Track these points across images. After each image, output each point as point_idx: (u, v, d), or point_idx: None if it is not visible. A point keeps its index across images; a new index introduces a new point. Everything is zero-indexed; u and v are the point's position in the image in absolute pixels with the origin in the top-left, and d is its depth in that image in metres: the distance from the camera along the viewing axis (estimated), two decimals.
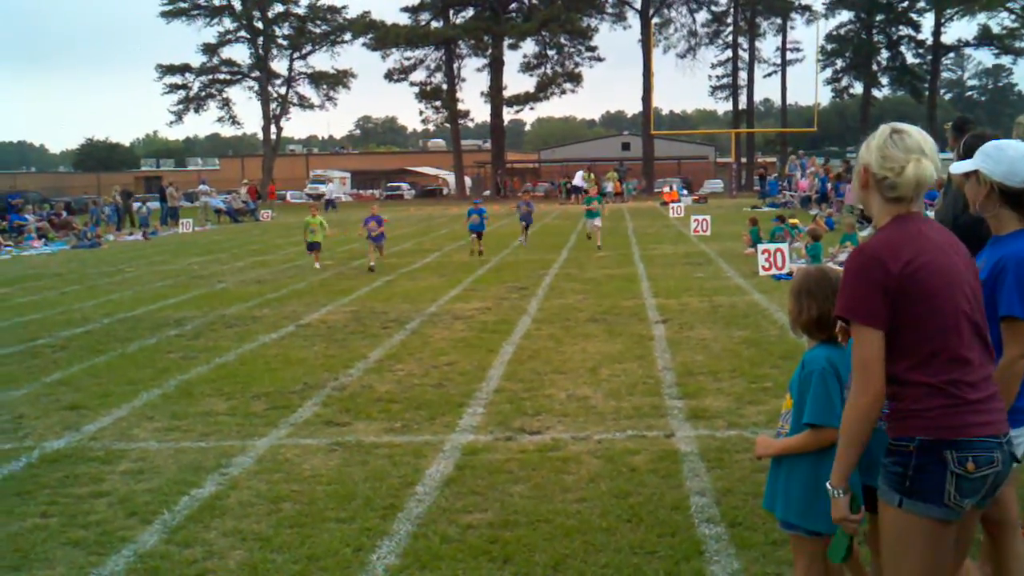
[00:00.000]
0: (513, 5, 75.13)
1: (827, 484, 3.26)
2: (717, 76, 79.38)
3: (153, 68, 78.12)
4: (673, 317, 12.77)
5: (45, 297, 18.11)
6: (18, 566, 5.33)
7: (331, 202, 59.61)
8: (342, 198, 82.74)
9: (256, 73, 79.17)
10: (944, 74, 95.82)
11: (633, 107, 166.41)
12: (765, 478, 4.01)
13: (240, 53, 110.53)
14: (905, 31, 75.57)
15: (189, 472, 6.88)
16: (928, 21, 74.17)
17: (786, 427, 3.85)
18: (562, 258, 21.90)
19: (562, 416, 8.03)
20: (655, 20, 74.19)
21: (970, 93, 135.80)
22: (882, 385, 3.05)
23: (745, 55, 76.94)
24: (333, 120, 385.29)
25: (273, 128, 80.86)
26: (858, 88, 78.28)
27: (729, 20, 76.92)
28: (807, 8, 74.22)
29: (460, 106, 75.97)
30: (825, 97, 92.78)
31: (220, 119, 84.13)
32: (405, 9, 74.05)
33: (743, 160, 74.14)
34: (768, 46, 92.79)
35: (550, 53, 75.05)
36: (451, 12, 74.05)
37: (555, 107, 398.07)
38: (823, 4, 74.54)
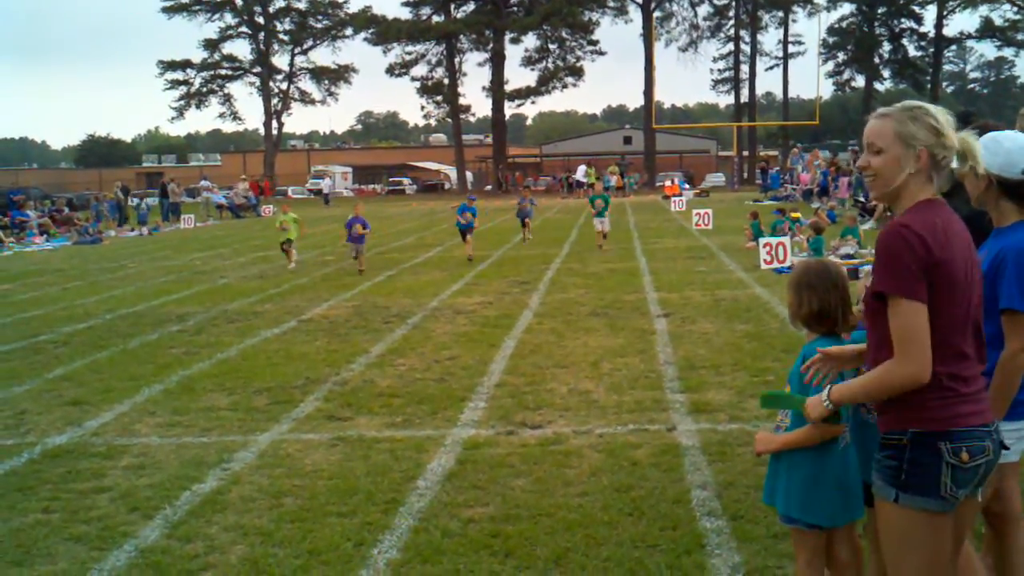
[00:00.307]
0: None
1: (825, 391, 3.24)
2: (719, 69, 79.44)
3: (155, 64, 78.32)
4: (675, 311, 12.76)
5: (47, 293, 18.12)
6: (20, 561, 5.33)
7: (327, 197, 59.53)
8: (344, 192, 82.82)
9: (257, 68, 79.23)
10: (946, 67, 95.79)
11: (635, 101, 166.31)
12: (766, 472, 4.00)
13: (241, 48, 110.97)
14: (907, 23, 75.45)
15: (191, 467, 6.88)
16: (930, 13, 74.16)
17: (786, 421, 3.84)
18: (564, 252, 21.89)
19: (564, 410, 8.03)
20: (657, 14, 74.12)
21: (972, 86, 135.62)
22: (928, 356, 2.97)
23: (747, 48, 76.91)
24: (334, 115, 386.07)
25: (274, 123, 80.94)
26: (860, 81, 78.23)
27: (731, 13, 76.84)
28: (809, 1, 74.04)
29: (461, 100, 76.04)
30: (827, 90, 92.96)
31: (221, 115, 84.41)
32: (406, 4, 74.08)
33: (745, 154, 74.09)
34: (770, 39, 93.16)
35: (552, 47, 75.03)
36: (452, 6, 74.01)
37: (557, 101, 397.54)
38: None
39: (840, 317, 3.78)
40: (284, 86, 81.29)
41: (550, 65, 75.10)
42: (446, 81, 74.83)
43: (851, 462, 3.74)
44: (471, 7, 74.70)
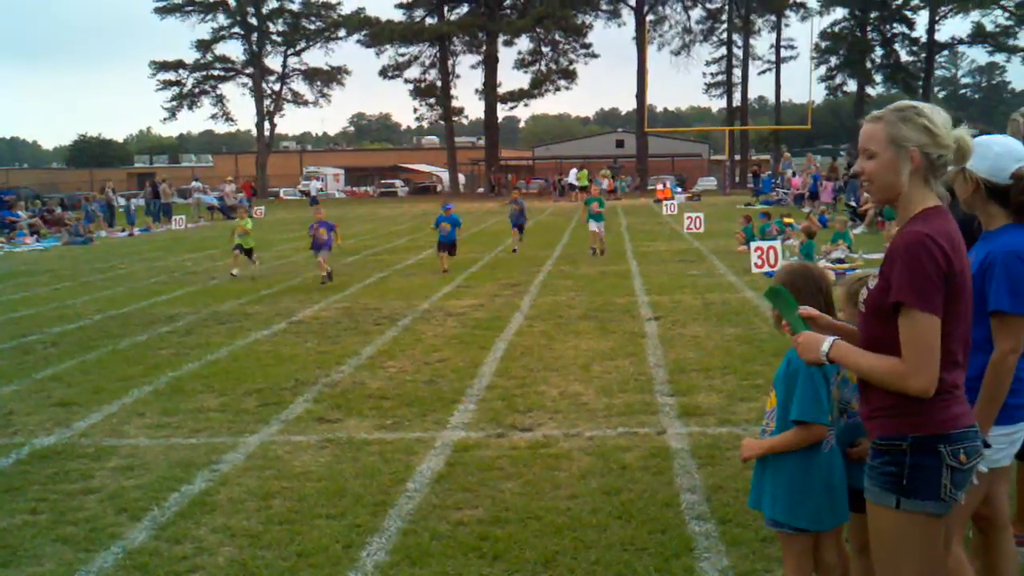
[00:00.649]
0: (508, 1, 75.11)
1: (828, 342, 3.17)
2: (711, 73, 79.51)
3: (147, 64, 78.01)
4: (666, 314, 12.77)
5: (37, 293, 18.06)
6: (7, 562, 5.31)
7: (315, 199, 59.40)
8: (336, 194, 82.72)
9: (250, 69, 79.04)
10: (938, 72, 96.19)
11: (627, 104, 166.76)
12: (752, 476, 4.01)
13: (234, 49, 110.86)
14: (899, 28, 75.65)
15: (179, 469, 6.87)
16: (922, 19, 74.38)
17: (771, 424, 3.84)
18: (555, 255, 21.89)
19: (554, 413, 8.03)
20: (650, 17, 74.18)
21: (964, 91, 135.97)
22: (937, 371, 2.95)
23: (739, 52, 77.09)
24: (327, 117, 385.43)
25: (267, 125, 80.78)
26: (852, 86, 78.35)
27: (724, 17, 76.98)
28: (801, 5, 74.29)
29: (454, 103, 76.05)
30: (819, 95, 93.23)
31: (214, 115, 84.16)
32: (399, 5, 74.03)
33: (737, 158, 74.21)
34: (762, 43, 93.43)
35: (545, 50, 75.01)
36: (445, 8, 74.00)
37: (549, 104, 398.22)
38: (817, 1, 74.63)
39: None
40: (277, 87, 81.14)
41: (543, 68, 75.10)
42: (439, 83, 74.82)
43: (836, 465, 3.75)
44: (464, 9, 74.72)
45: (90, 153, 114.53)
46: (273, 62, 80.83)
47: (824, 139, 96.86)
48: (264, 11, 78.11)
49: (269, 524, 5.71)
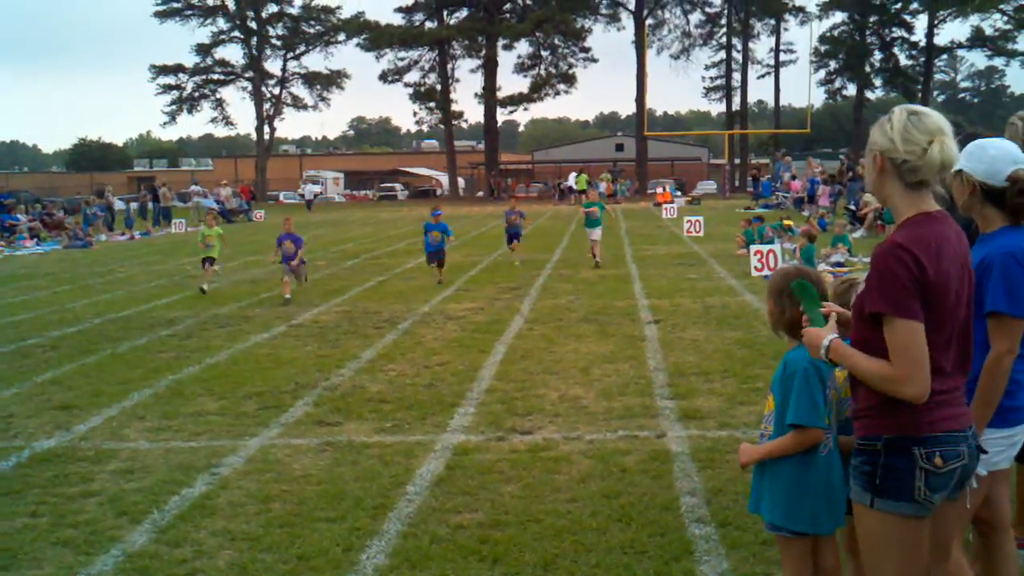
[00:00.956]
0: (507, 6, 75.22)
1: (828, 340, 3.22)
2: (711, 77, 79.54)
3: (147, 68, 78.04)
4: (665, 318, 12.78)
5: (37, 297, 18.06)
6: (7, 566, 5.31)
7: (309, 203, 59.38)
8: (336, 198, 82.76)
9: (250, 73, 79.07)
10: (937, 76, 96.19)
11: (627, 108, 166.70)
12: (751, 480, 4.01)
13: (234, 53, 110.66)
14: (898, 32, 75.69)
15: (179, 472, 6.87)
16: (921, 23, 74.40)
17: (769, 428, 3.85)
18: (555, 258, 21.90)
19: (553, 416, 8.03)
20: (649, 21, 74.24)
21: (963, 95, 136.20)
22: (928, 376, 2.98)
23: (739, 56, 77.13)
24: (327, 121, 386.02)
25: (266, 128, 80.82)
26: (851, 90, 78.39)
27: (723, 21, 77.04)
28: (801, 9, 74.30)
29: (454, 107, 76.06)
30: (818, 99, 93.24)
31: (213, 119, 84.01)
32: (399, 10, 74.09)
33: (736, 161, 74.25)
34: (762, 47, 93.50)
35: (544, 54, 75.15)
36: (445, 13, 74.07)
37: (549, 108, 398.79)
38: (816, 5, 74.60)
39: None
40: (276, 91, 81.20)
41: (542, 72, 75.20)
42: (439, 87, 74.87)
43: (835, 469, 3.75)
44: (464, 13, 74.78)
45: (90, 157, 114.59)
46: (273, 66, 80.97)
47: (823, 143, 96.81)
48: (264, 15, 78.17)
49: (269, 527, 5.72)
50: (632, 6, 73.42)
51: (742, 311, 13.13)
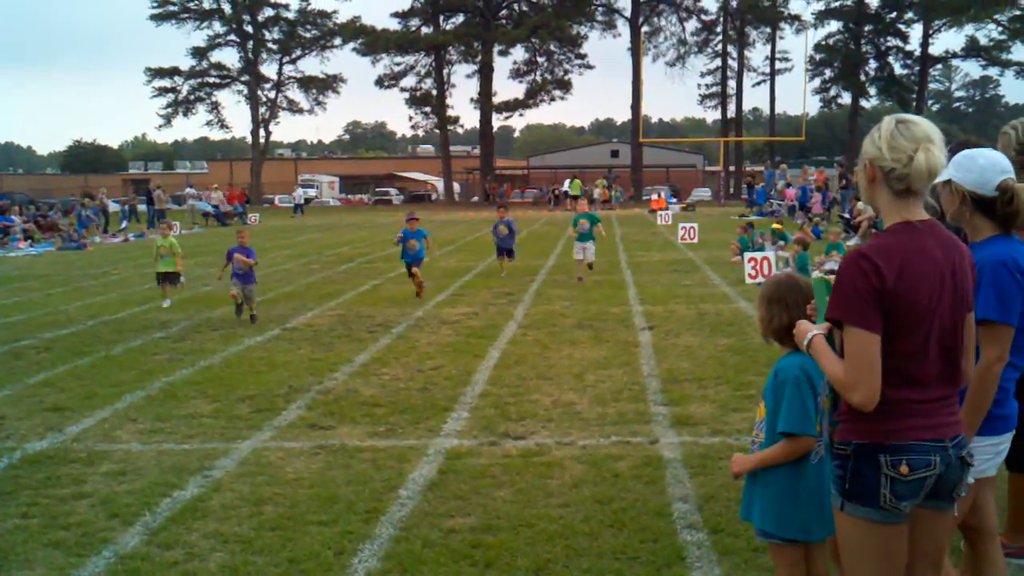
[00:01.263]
0: (503, 11, 75.25)
1: (811, 335, 3.31)
2: (706, 85, 79.61)
3: (142, 71, 77.98)
4: (659, 324, 12.79)
5: (30, 298, 18.02)
6: None
7: (300, 207, 59.26)
8: (331, 202, 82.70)
9: (245, 77, 79.03)
10: (932, 85, 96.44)
11: (622, 115, 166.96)
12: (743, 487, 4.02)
13: (229, 57, 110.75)
14: (893, 42, 75.87)
15: (171, 474, 6.86)
16: (916, 32, 74.58)
17: (761, 436, 3.87)
18: (549, 264, 21.91)
19: (547, 421, 8.04)
20: (645, 28, 74.38)
21: (958, 104, 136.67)
22: (877, 386, 3.04)
23: (734, 64, 77.19)
24: (322, 125, 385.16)
25: (262, 132, 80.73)
26: (846, 98, 78.57)
27: (719, 29, 77.14)
28: (796, 18, 74.48)
29: (449, 112, 76.00)
30: (813, 107, 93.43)
31: (209, 123, 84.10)
32: (395, 15, 74.06)
33: (731, 169, 74.35)
34: (757, 55, 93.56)
35: (540, 60, 75.20)
36: (441, 18, 74.07)
37: (544, 114, 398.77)
38: (812, 14, 74.86)
39: None
40: (272, 95, 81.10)
41: (538, 78, 75.27)
42: (434, 92, 74.84)
43: (826, 477, 3.76)
44: (460, 19, 74.80)
45: (85, 159, 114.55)
46: (268, 70, 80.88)
47: (818, 151, 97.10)
48: (260, 19, 78.13)
49: (261, 530, 5.71)
50: (628, 13, 73.55)
51: (736, 318, 13.15)
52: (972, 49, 73.03)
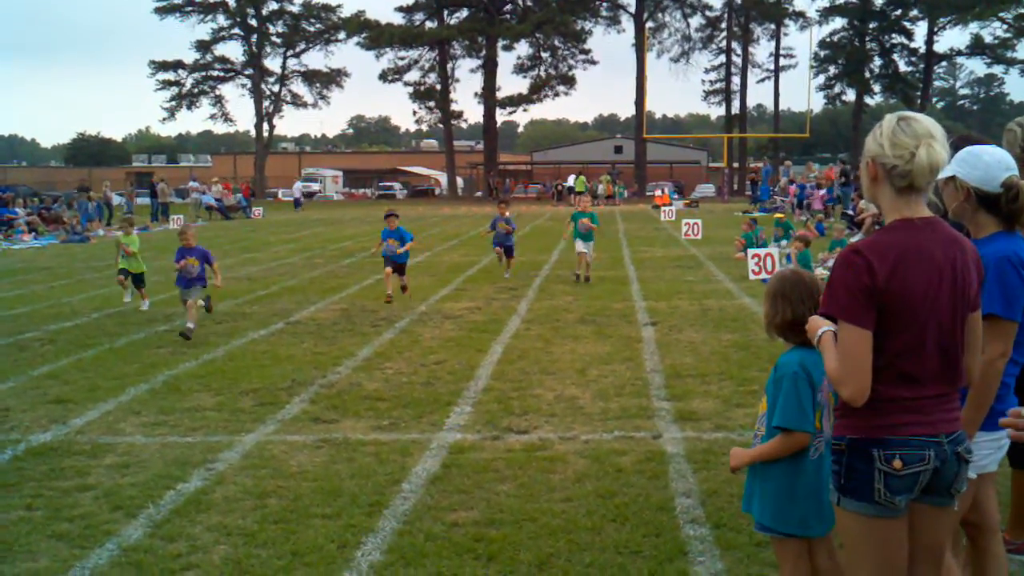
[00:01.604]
0: (507, 6, 75.22)
1: (822, 330, 3.25)
2: (710, 81, 79.60)
3: (146, 64, 78.00)
4: (662, 319, 12.79)
5: (34, 291, 18.05)
6: (1, 558, 5.31)
7: (298, 201, 59.27)
8: (335, 196, 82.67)
9: (249, 70, 79.08)
10: (936, 83, 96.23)
11: (626, 110, 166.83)
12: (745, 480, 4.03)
13: (234, 50, 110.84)
14: (898, 39, 75.76)
15: (175, 467, 6.87)
16: (921, 29, 74.50)
17: (762, 430, 3.88)
18: (553, 259, 21.90)
19: (550, 416, 8.04)
20: (649, 24, 74.28)
21: (962, 102, 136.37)
22: (867, 381, 3.06)
23: (739, 60, 77.18)
24: (326, 119, 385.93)
25: (265, 126, 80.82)
26: (851, 95, 78.48)
27: (723, 25, 77.07)
28: (801, 14, 74.43)
29: (453, 107, 76.12)
30: (818, 103, 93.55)
31: (213, 116, 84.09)
32: (399, 9, 74.06)
33: (735, 165, 74.28)
34: (761, 52, 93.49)
35: (544, 55, 75.14)
36: (445, 12, 74.07)
37: (548, 109, 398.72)
38: (816, 11, 74.88)
39: None
40: (276, 89, 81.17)
41: (542, 73, 75.21)
42: (438, 87, 74.86)
43: (826, 472, 3.76)
44: (464, 14, 74.79)
45: (88, 152, 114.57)
46: (272, 63, 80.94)
47: (822, 148, 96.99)
48: (264, 12, 78.16)
49: (264, 523, 5.72)
50: (632, 9, 73.47)
51: (739, 314, 13.15)
52: (977, 47, 72.92)
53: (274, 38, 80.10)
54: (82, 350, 11.51)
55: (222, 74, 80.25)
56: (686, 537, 5.36)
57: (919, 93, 75.71)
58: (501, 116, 78.64)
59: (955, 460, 3.19)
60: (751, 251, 17.73)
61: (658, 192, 56.51)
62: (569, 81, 75.05)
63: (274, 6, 78.42)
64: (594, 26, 75.46)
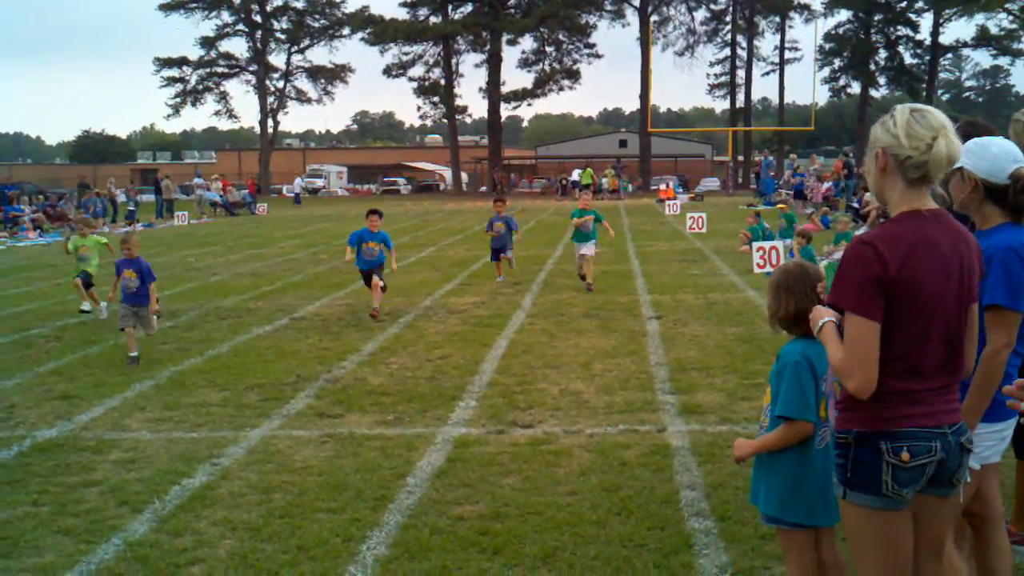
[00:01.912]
0: (512, 1, 75.09)
1: (824, 320, 3.24)
2: (715, 74, 79.48)
3: (151, 61, 78.20)
4: (667, 313, 12.78)
5: (39, 288, 18.09)
6: (8, 553, 5.33)
7: (298, 197, 59.22)
8: (339, 192, 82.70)
9: (254, 67, 79.13)
10: (942, 75, 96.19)
11: (631, 104, 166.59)
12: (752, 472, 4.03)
13: (238, 46, 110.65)
14: (903, 31, 75.61)
15: (180, 462, 6.88)
16: (926, 21, 74.34)
17: (766, 422, 3.88)
18: (557, 254, 21.89)
19: (554, 410, 8.04)
20: (654, 18, 74.18)
21: (968, 94, 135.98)
22: (874, 373, 3.04)
23: (743, 53, 77.06)
24: (330, 114, 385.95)
25: (270, 122, 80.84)
26: (856, 88, 78.33)
27: (728, 18, 76.98)
28: (806, 7, 74.26)
29: (458, 102, 76.03)
30: (823, 96, 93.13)
31: (217, 112, 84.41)
32: (404, 4, 74.02)
33: (740, 158, 74.17)
34: (766, 45, 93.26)
35: (548, 49, 75.10)
36: (450, 7, 74.03)
37: (553, 104, 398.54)
38: (822, 3, 74.58)
39: None
40: (280, 85, 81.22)
41: (547, 67, 75.18)
42: (443, 82, 74.84)
43: (833, 463, 3.76)
44: (468, 8, 74.72)
45: (93, 149, 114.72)
46: (277, 59, 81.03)
47: (827, 141, 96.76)
48: (268, 8, 78.21)
49: (270, 518, 5.73)
50: (637, 3, 73.34)
51: (744, 307, 13.14)
52: (983, 38, 72.73)
53: (278, 34, 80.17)
54: (87, 346, 11.54)
55: (227, 70, 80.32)
56: (691, 530, 5.36)
57: (924, 85, 75.55)
58: (505, 111, 78.64)
59: (958, 451, 3.18)
60: (756, 244, 17.69)
61: (663, 186, 56.44)
62: (573, 75, 74.98)
63: (278, 2, 78.52)
64: (598, 20, 75.50)
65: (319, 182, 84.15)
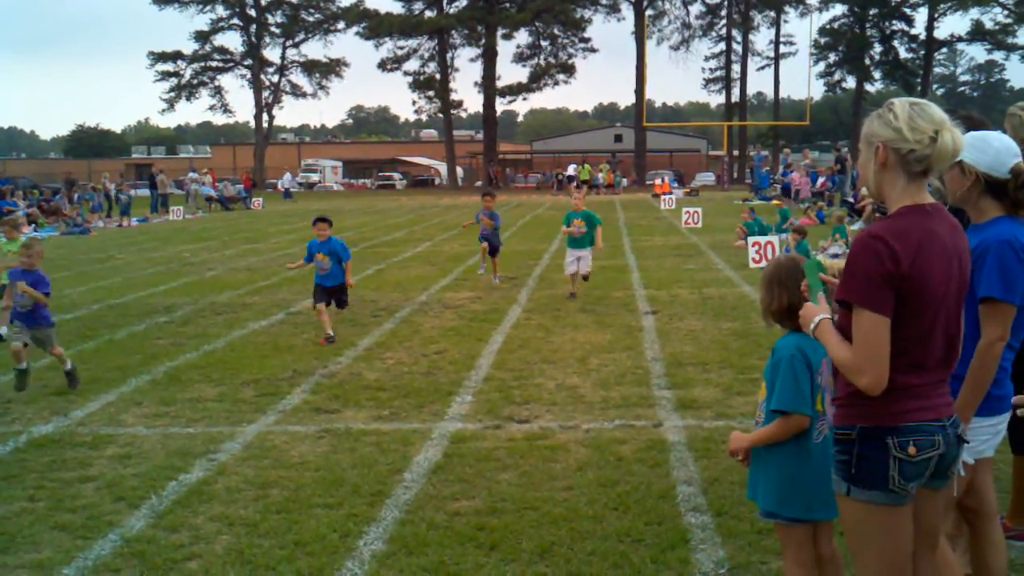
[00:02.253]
0: None
1: (819, 318, 3.24)
2: (710, 69, 79.66)
3: (145, 55, 77.93)
4: (663, 308, 12.79)
5: None
6: (4, 549, 5.32)
7: (288, 192, 59.14)
8: (334, 187, 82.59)
9: (248, 61, 79.00)
10: (937, 69, 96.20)
11: (626, 99, 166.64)
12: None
13: (233, 41, 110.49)
14: (898, 25, 75.68)
15: (177, 458, 6.88)
16: (921, 16, 74.41)
17: (762, 416, 3.88)
18: (553, 248, 21.88)
19: (551, 405, 8.05)
20: (649, 12, 74.15)
21: (963, 88, 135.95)
22: (885, 369, 3.01)
23: (739, 48, 77.14)
24: (325, 109, 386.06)
25: (265, 116, 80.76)
26: (851, 82, 78.40)
27: (723, 13, 77.02)
28: (801, 1, 74.33)
29: (453, 96, 76.04)
30: (818, 91, 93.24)
31: (212, 107, 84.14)
32: None
33: (735, 153, 74.23)
34: (761, 39, 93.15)
35: (544, 44, 75.09)
36: (445, 1, 73.91)
37: (548, 98, 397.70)
38: None
39: None
40: (275, 79, 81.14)
41: (542, 62, 75.14)
42: (438, 76, 74.75)
43: (831, 456, 3.77)
44: (463, 2, 74.61)
45: (88, 143, 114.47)
46: (272, 54, 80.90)
47: (823, 135, 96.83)
48: (263, 2, 78.05)
49: (266, 513, 5.73)
50: None
51: (739, 302, 13.16)
52: (977, 33, 72.80)
53: (273, 28, 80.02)
54: (83, 342, 11.52)
55: (221, 65, 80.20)
56: (687, 525, 5.37)
57: (919, 80, 75.61)
58: (501, 105, 78.65)
59: (956, 443, 3.20)
60: (751, 239, 17.73)
61: (658, 181, 56.46)
62: (569, 70, 74.96)
63: None
64: (594, 14, 75.43)
65: (314, 177, 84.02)
